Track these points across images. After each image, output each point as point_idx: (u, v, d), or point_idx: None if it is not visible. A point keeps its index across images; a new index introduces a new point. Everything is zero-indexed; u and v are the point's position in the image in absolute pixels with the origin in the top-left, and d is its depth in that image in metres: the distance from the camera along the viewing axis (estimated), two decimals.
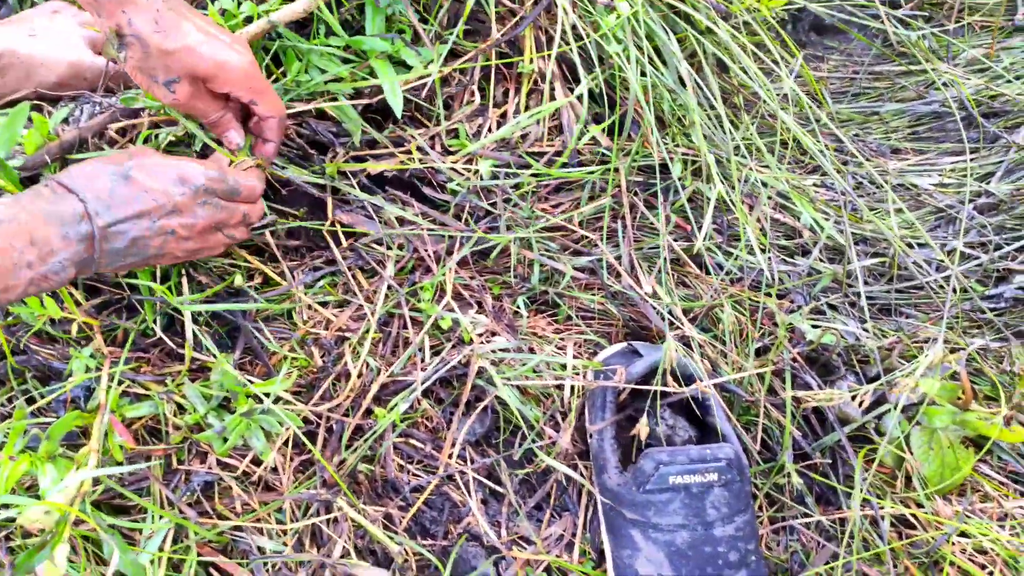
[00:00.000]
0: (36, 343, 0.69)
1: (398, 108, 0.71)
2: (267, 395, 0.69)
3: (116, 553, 0.57)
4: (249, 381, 0.71)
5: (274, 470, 0.71)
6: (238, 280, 0.73)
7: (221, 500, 0.70)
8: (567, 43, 0.72)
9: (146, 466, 0.65)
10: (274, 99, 0.66)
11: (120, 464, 0.64)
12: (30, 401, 0.69)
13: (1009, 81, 0.85)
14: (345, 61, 0.73)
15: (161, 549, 0.64)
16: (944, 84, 0.83)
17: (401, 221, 0.73)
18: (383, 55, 0.73)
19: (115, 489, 0.64)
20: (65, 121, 0.75)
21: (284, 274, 0.75)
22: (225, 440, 0.68)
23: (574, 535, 0.72)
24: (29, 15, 0.80)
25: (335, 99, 0.72)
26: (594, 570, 0.71)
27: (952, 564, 0.71)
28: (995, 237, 0.79)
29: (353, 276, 0.75)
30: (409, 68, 0.73)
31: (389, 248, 0.73)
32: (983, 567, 0.71)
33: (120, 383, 0.69)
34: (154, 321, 0.71)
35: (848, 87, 0.85)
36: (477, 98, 0.76)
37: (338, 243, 0.75)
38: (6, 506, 0.60)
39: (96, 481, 0.65)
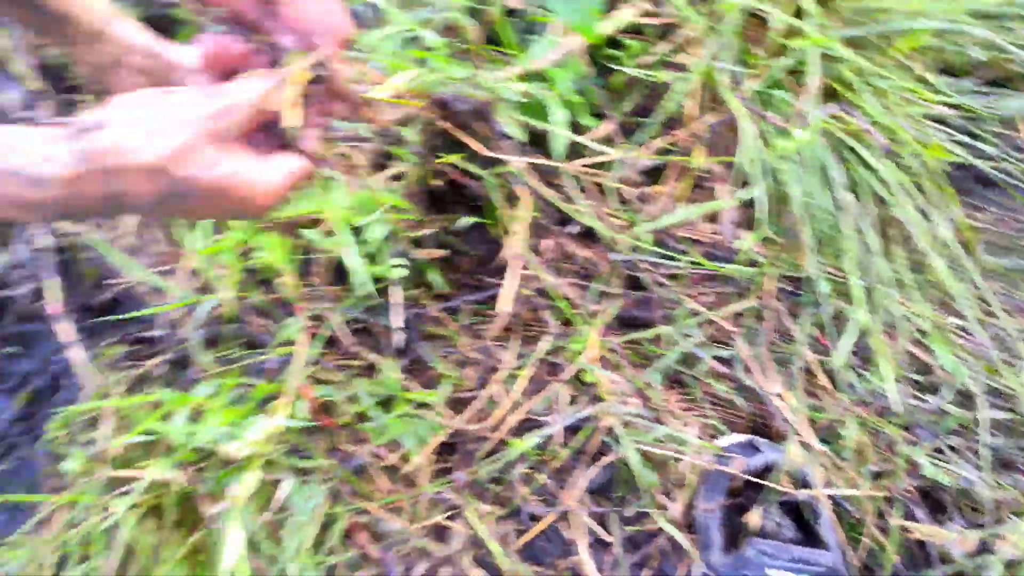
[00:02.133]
0: (251, 316, 0.84)
1: (559, 149, 0.81)
2: (424, 404, 0.81)
3: (289, 486, 0.69)
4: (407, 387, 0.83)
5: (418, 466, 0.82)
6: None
7: (369, 483, 0.81)
8: (744, 156, 0.82)
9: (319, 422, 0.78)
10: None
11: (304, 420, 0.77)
12: (232, 362, 0.84)
13: None
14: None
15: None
16: None
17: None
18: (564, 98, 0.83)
19: (291, 453, 0.77)
20: None
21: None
22: (382, 434, 0.80)
23: None
24: None
25: None
26: None
27: None
28: None
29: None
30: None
31: (553, 300, 0.85)
32: None
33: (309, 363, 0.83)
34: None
35: (1003, 241, 0.91)
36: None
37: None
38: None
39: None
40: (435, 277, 0.87)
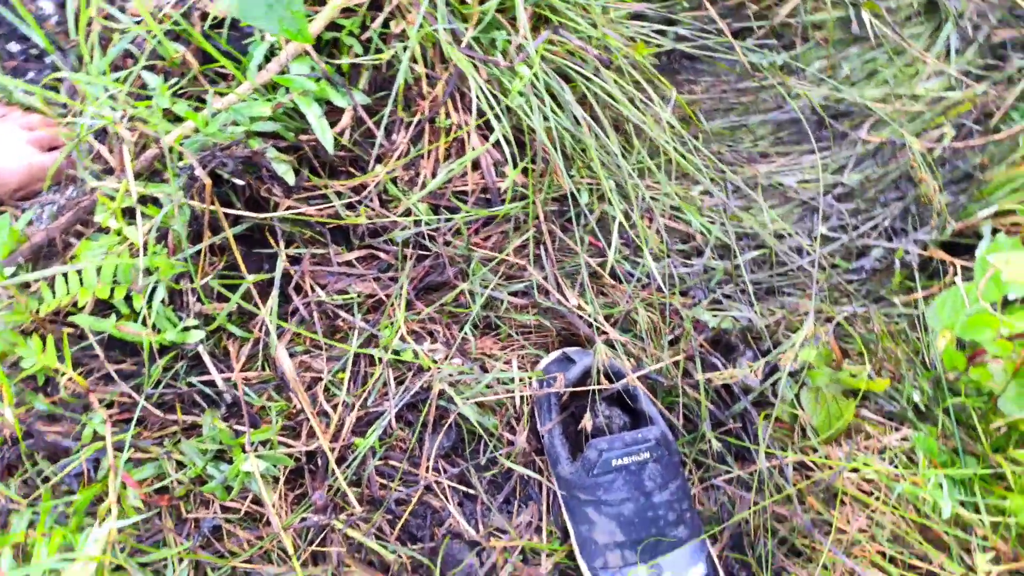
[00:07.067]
0: (44, 425, 0.83)
1: (329, 145, 0.88)
2: (263, 443, 0.87)
3: None
4: (236, 432, 0.88)
5: (273, 504, 0.89)
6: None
7: (229, 540, 0.87)
8: (482, 104, 0.92)
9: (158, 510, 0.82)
10: None
11: (138, 511, 0.80)
12: (44, 479, 0.84)
13: (853, 84, 1.10)
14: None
15: None
16: (796, 95, 1.08)
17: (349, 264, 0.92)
18: (307, 93, 0.88)
19: (136, 547, 0.81)
20: (29, 223, 0.90)
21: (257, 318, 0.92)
22: (229, 489, 0.86)
23: (540, 520, 0.93)
24: None
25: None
26: (560, 546, 0.92)
27: (846, 494, 0.95)
28: (851, 220, 1.04)
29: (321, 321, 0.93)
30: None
31: (348, 296, 0.92)
32: (870, 493, 0.96)
33: (120, 449, 0.85)
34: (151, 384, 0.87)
35: (719, 104, 1.09)
36: (408, 149, 0.95)
37: (299, 292, 0.93)
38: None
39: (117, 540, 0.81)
40: (232, 327, 0.91)
